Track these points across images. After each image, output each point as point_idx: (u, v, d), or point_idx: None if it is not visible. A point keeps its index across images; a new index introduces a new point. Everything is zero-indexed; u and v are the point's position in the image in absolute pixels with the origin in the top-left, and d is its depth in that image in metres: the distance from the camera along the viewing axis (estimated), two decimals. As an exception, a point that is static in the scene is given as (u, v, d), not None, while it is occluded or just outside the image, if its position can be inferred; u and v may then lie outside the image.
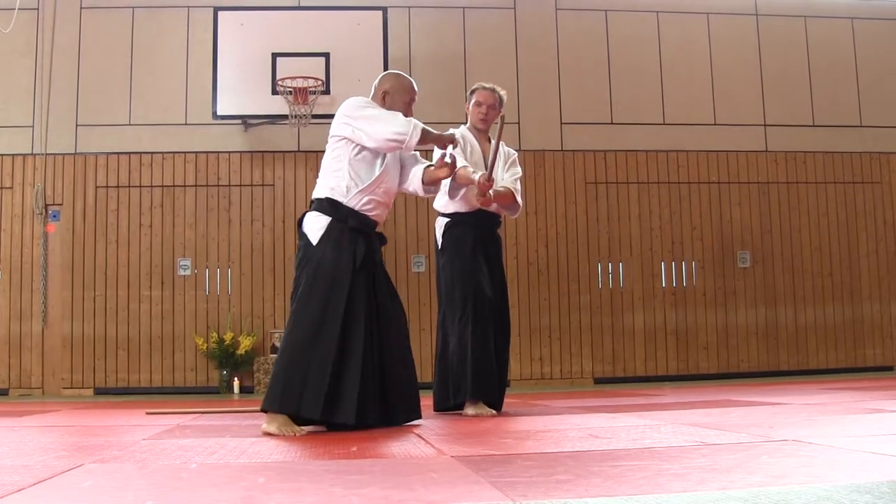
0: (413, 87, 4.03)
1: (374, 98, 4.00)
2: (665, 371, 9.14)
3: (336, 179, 3.82)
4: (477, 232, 4.59)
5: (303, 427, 3.58)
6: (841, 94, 9.75)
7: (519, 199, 4.66)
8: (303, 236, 3.81)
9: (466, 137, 4.63)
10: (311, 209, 3.86)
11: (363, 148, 3.82)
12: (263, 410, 3.65)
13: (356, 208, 3.80)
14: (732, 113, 9.57)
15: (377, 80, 4.09)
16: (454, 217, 4.63)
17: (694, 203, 9.43)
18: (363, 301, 3.73)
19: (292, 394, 3.56)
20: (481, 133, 4.72)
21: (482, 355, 4.39)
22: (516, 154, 4.85)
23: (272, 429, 3.53)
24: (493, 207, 4.57)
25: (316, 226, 3.78)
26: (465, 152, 4.51)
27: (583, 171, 9.30)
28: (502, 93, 4.74)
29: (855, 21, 9.88)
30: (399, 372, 3.84)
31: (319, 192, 3.85)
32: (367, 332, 3.71)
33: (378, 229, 3.97)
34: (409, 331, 4.11)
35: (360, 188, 3.80)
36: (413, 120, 3.81)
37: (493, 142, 4.30)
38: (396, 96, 3.97)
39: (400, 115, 3.85)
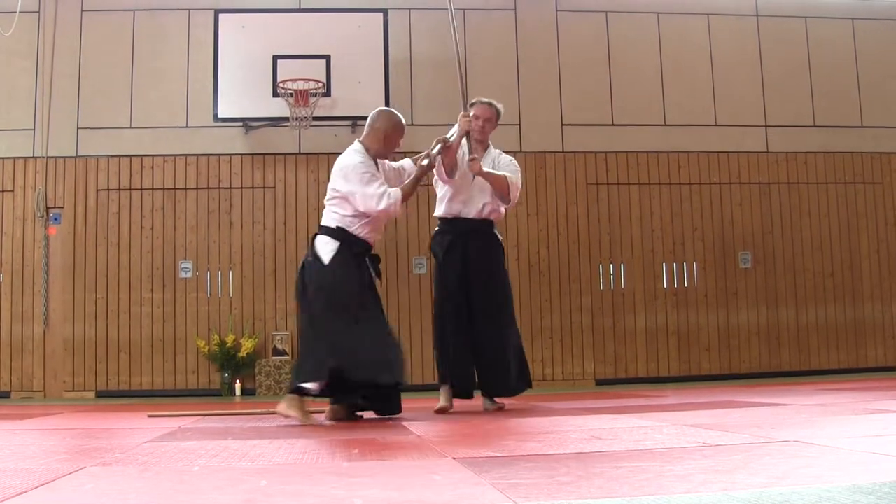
0: (403, 125, 4.51)
1: (371, 137, 4.41)
2: (667, 372, 9.12)
3: (341, 215, 4.37)
4: (453, 236, 4.95)
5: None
6: (842, 95, 9.74)
7: (512, 189, 4.92)
8: (316, 256, 4.32)
9: (462, 146, 4.91)
10: (321, 233, 4.36)
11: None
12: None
13: (360, 236, 4.38)
14: (733, 114, 9.56)
15: (375, 120, 4.46)
16: (440, 223, 5.06)
17: (695, 204, 9.42)
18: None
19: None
20: (478, 143, 5.00)
21: (439, 344, 4.92)
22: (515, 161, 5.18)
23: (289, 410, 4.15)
24: (482, 205, 4.95)
25: (327, 248, 4.30)
26: (460, 161, 4.88)
27: (584, 172, 9.30)
28: (499, 106, 5.06)
29: (855, 21, 9.87)
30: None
31: (329, 221, 4.37)
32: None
33: (377, 239, 4.50)
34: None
35: (363, 222, 4.37)
36: (395, 191, 4.32)
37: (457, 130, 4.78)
38: (394, 136, 4.46)
39: (387, 189, 4.28)
